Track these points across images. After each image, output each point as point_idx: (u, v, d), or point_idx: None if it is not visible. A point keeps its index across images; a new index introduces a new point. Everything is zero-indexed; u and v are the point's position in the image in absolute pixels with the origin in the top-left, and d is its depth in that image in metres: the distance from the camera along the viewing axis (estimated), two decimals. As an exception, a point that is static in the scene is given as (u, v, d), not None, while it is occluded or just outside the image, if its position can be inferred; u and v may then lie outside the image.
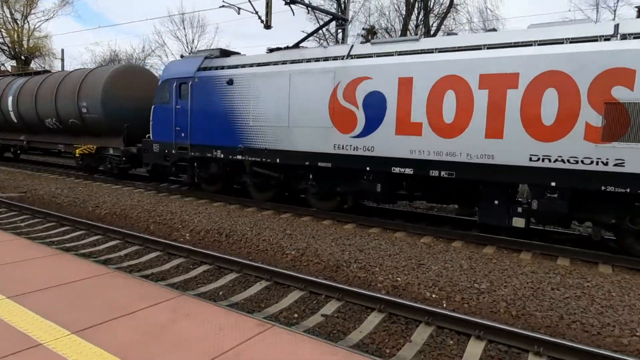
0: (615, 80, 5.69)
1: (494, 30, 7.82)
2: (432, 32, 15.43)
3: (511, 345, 4.06)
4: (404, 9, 19.99)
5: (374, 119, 7.57)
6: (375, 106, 7.54)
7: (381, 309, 4.74)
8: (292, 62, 8.60)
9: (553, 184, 6.23)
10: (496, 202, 6.87)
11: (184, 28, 39.42)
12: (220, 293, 5.45)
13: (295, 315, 4.86)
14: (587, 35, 6.00)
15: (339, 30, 13.32)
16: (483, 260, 6.12)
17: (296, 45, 9.50)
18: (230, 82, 9.32)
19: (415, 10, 19.61)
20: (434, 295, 5.20)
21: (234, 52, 10.41)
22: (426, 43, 7.31)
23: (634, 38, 5.66)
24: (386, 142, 7.47)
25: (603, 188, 5.85)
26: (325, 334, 4.43)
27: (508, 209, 6.78)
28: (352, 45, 8.22)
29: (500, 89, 6.43)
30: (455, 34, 9.19)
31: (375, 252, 6.52)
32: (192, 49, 32.81)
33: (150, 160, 11.24)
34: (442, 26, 16.10)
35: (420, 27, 16.88)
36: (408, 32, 16.68)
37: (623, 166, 5.72)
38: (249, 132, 9.14)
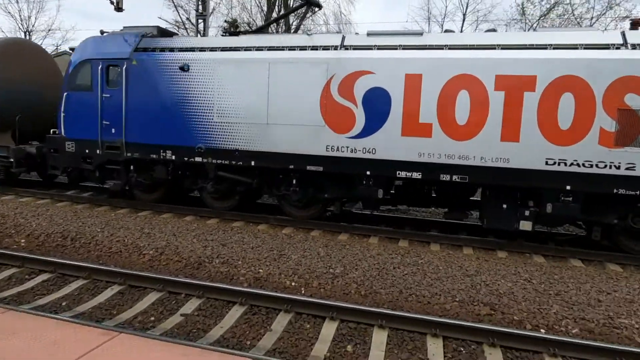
0: (628, 87, 5.97)
1: (494, 30, 7.65)
2: (292, 31, 15.97)
3: (359, 322, 4.52)
4: (266, 5, 20.22)
5: (376, 118, 6.98)
6: (377, 104, 6.95)
7: (242, 302, 4.82)
8: (271, 48, 7.56)
9: (568, 187, 6.32)
10: (504, 206, 6.80)
11: (18, 2, 33.57)
12: (64, 304, 4.91)
13: (152, 318, 4.65)
14: (600, 42, 6.23)
15: (200, 21, 12.83)
16: (338, 246, 6.64)
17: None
18: (185, 67, 7.89)
19: (276, 8, 19.98)
20: (293, 283, 5.46)
21: (175, 33, 8.95)
22: (432, 39, 7.02)
23: None
24: (391, 144, 6.94)
25: (615, 191, 6.14)
26: (184, 334, 4.33)
27: (516, 212, 6.75)
28: (344, 35, 7.63)
29: (517, 91, 6.36)
30: (452, 31, 8.25)
31: (238, 245, 6.56)
32: (28, 27, 28.14)
33: (61, 163, 9.02)
34: (302, 25, 16.79)
35: (281, 24, 17.30)
36: (270, 29, 16.96)
37: (634, 170, 6.07)
38: (212, 130, 7.83)
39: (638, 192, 6.13)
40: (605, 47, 6.23)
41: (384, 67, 6.91)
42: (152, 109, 8.10)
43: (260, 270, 5.74)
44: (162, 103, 8.04)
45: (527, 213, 6.71)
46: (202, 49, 7.95)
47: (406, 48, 6.95)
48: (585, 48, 6.28)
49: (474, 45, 6.73)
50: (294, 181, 7.78)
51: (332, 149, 7.22)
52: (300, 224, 7.78)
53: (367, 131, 7.05)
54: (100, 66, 8.40)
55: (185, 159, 8.01)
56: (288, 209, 8.19)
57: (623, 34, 6.32)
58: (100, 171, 8.78)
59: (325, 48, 7.31)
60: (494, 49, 6.60)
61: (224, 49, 7.83)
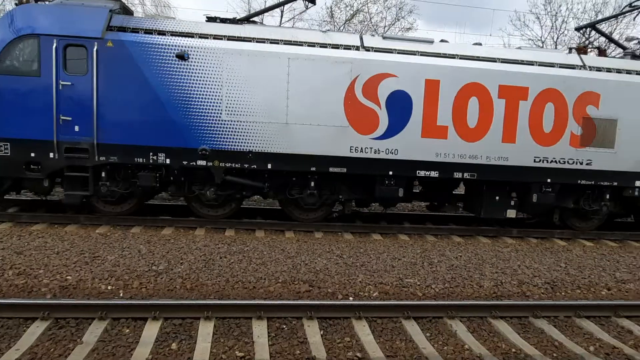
0: (588, 101, 7.50)
1: (480, 44, 8.44)
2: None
3: (184, 317, 4.46)
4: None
5: (398, 120, 7.22)
6: (400, 106, 7.19)
7: (45, 316, 4.23)
8: (288, 43, 7.09)
9: (549, 180, 7.68)
10: (497, 198, 7.84)
11: None
12: None
13: None
14: (569, 63, 7.64)
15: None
16: (161, 242, 6.36)
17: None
18: (182, 56, 6.75)
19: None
20: (110, 287, 5.04)
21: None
22: (444, 47, 7.63)
23: (597, 70, 7.76)
24: (412, 145, 7.29)
25: (579, 182, 7.78)
26: (-36, 366, 3.60)
27: (505, 203, 7.90)
28: (361, 36, 7.64)
29: (514, 99, 7.38)
30: (447, 41, 8.28)
31: (39, 252, 5.70)
32: None
33: None
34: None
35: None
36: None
37: (591, 165, 7.78)
38: (220, 129, 6.98)
39: (593, 182, 7.99)
40: (573, 67, 7.80)
41: (406, 71, 7.23)
42: (138, 103, 6.80)
43: (69, 277, 5.11)
44: (153, 96, 6.80)
45: (512, 203, 8.08)
46: (203, 36, 6.97)
47: (424, 54, 7.44)
48: (560, 67, 7.76)
49: (480, 57, 7.58)
50: (312, 184, 7.49)
51: (356, 150, 7.26)
52: (116, 221, 7.15)
53: (390, 132, 7.30)
54: (55, 45, 6.61)
55: (185, 162, 6.97)
56: (295, 212, 7.89)
57: (581, 58, 8.07)
58: (52, 180, 6.99)
59: (347, 47, 7.29)
60: (496, 61, 7.56)
61: (231, 38, 7.03)
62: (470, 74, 7.47)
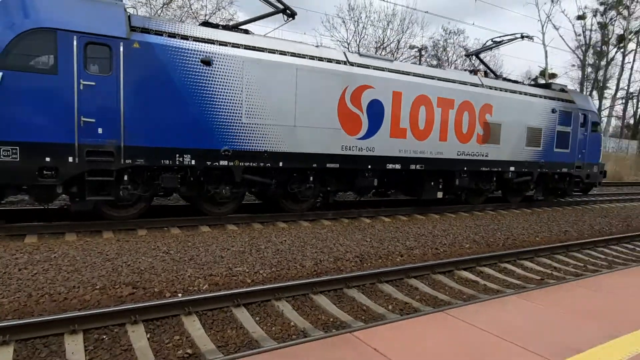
0: (487, 110, 10.45)
1: (438, 67, 13.31)
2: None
3: (-29, 347, 3.72)
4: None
5: (375, 124, 8.92)
6: (376, 112, 8.92)
7: None
8: (294, 55, 8.16)
9: (465, 168, 10.52)
10: (432, 183, 10.33)
11: None
12: None
13: None
14: (476, 82, 10.61)
15: None
16: None
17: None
18: (208, 61, 7.11)
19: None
20: None
21: None
22: (402, 66, 9.92)
23: (489, 87, 10.81)
24: (384, 144, 9.09)
25: (481, 169, 10.88)
26: None
27: (437, 187, 10.49)
28: (345, 52, 9.23)
29: (446, 108, 9.94)
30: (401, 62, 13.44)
31: None
32: None
33: None
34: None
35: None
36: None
37: (487, 156, 10.88)
38: (240, 131, 7.55)
39: (488, 169, 11.27)
40: (477, 85, 10.82)
41: (380, 83, 8.96)
42: (166, 106, 6.89)
43: None
44: (180, 99, 6.99)
45: (440, 187, 10.73)
46: (223, 43, 7.45)
47: (390, 71, 9.28)
48: (470, 85, 10.64)
49: (425, 75, 9.86)
50: (311, 178, 8.69)
51: (346, 148, 8.60)
52: None
53: (369, 133, 8.89)
54: (76, 42, 6.21)
55: (208, 163, 7.34)
56: (288, 205, 8.92)
57: (479, 78, 11.21)
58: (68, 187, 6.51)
59: (338, 62, 8.64)
60: (434, 79, 9.96)
61: (247, 47, 7.66)
62: (420, 88, 9.69)
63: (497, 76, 13.11)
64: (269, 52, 7.90)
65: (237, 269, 5.84)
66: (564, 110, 12.85)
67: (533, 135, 12.13)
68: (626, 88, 39.31)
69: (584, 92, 32.52)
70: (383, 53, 31.02)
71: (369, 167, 9.17)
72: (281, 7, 8.76)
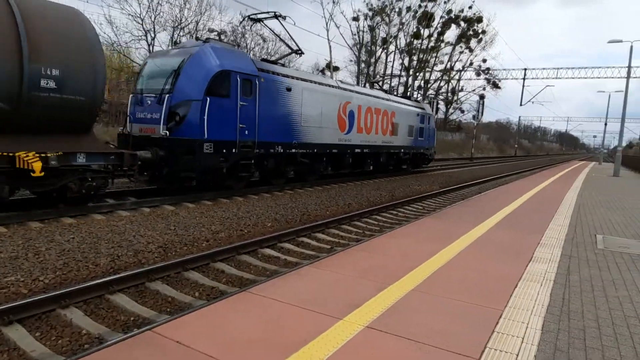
0: (392, 115, 18.34)
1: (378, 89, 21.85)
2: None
3: None
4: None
5: (351, 125, 15.48)
6: (351, 118, 15.47)
7: None
8: (320, 83, 14.07)
9: (384, 151, 18.02)
10: (369, 160, 17.81)
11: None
12: None
13: None
14: (388, 97, 18.87)
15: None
16: None
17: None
18: (289, 89, 12.19)
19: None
20: None
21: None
22: (361, 89, 17.58)
23: (393, 102, 18.98)
24: (355, 136, 15.80)
25: (391, 151, 18.79)
26: None
27: (370, 163, 17.89)
28: (336, 80, 16.11)
29: (377, 114, 17.16)
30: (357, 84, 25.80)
31: None
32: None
33: (201, 164, 9.74)
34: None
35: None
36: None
37: (393, 143, 18.68)
38: (300, 131, 12.89)
39: (392, 151, 18.91)
40: (388, 99, 18.58)
41: (353, 100, 15.55)
42: (271, 116, 11.52)
43: None
44: (276, 111, 11.76)
45: (371, 163, 18.02)
46: (296, 78, 12.72)
47: (356, 92, 16.08)
48: (385, 99, 18.30)
49: (372, 94, 17.47)
50: (324, 159, 14.77)
51: (339, 140, 14.99)
52: None
53: (348, 131, 15.39)
54: (238, 78, 10.34)
55: (287, 150, 12.36)
56: (310, 177, 14.36)
57: (386, 93, 20.10)
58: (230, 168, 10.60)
59: (334, 87, 14.77)
60: (371, 96, 17.25)
61: (303, 79, 13.11)
62: (369, 102, 16.73)
63: (395, 94, 24.61)
64: (310, 82, 13.48)
65: (7, 279, 4.87)
66: (421, 114, 21.77)
67: (410, 130, 20.55)
68: (389, 82, 47.49)
69: (359, 85, 37.90)
70: (181, 34, 29.58)
71: (347, 151, 15.68)
72: (296, 48, 14.64)
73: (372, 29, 44.17)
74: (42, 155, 6.93)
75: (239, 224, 8.52)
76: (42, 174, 6.91)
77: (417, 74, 47.92)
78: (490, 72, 49.30)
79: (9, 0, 6.68)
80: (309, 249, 7.44)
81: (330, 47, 46.00)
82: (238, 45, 36.76)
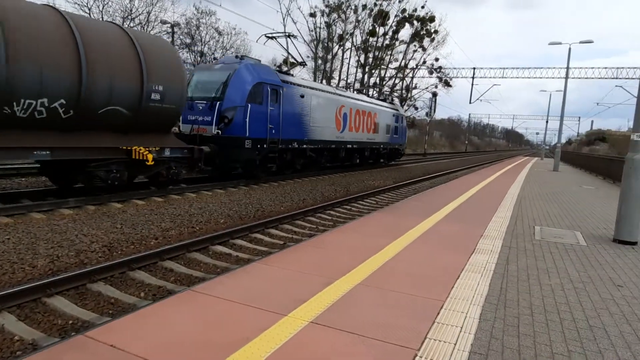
0: (374, 116, 22.66)
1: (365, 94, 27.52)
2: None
3: None
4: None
5: (344, 125, 18.92)
6: (344, 119, 18.93)
7: None
8: (322, 90, 17.93)
9: (368, 146, 22.33)
10: (356, 154, 21.63)
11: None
12: None
13: None
14: (373, 101, 24.06)
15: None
16: None
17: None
18: (302, 96, 15.81)
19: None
20: None
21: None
22: (352, 94, 21.86)
23: (374, 104, 23.56)
24: (347, 134, 19.22)
25: (373, 147, 22.86)
26: None
27: (356, 157, 21.92)
28: (335, 87, 24.27)
29: (363, 116, 21.18)
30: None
31: None
32: None
33: (244, 156, 13.01)
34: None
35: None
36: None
37: (375, 140, 22.98)
38: (310, 130, 16.41)
39: (375, 146, 23.20)
40: (373, 102, 23.24)
41: (346, 104, 19.34)
42: (290, 118, 15.00)
43: None
44: (293, 114, 15.26)
45: (358, 157, 22.06)
46: (306, 87, 16.36)
47: (348, 97, 20.29)
48: (371, 103, 23.05)
49: (359, 99, 21.59)
50: (325, 153, 18.15)
51: (336, 137, 18.45)
52: None
53: (342, 129, 18.95)
54: (268, 88, 13.73)
55: (299, 146, 15.72)
56: (314, 168, 17.93)
57: (371, 99, 24.64)
58: (259, 160, 13.87)
59: (332, 93, 18.64)
60: (359, 100, 21.37)
61: (311, 88, 16.94)
62: (357, 105, 20.31)
63: (379, 97, 29.56)
64: (316, 89, 17.26)
65: None
66: (396, 115, 26.13)
67: (387, 129, 24.49)
68: (345, 79, 47.93)
69: (317, 81, 38.02)
70: (132, 25, 28.34)
71: (342, 147, 19.22)
72: (301, 60, 20.90)
73: (328, 25, 44.29)
74: (147, 149, 9.70)
75: (191, 221, 8.32)
76: (153, 163, 9.77)
77: (373, 71, 48.60)
78: (442, 70, 50.83)
79: (132, 38, 9.51)
80: (261, 245, 7.38)
81: (287, 42, 45.69)
82: (192, 37, 35.73)
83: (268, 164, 14.17)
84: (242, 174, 14.01)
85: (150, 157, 9.53)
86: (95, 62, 8.44)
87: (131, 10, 28.25)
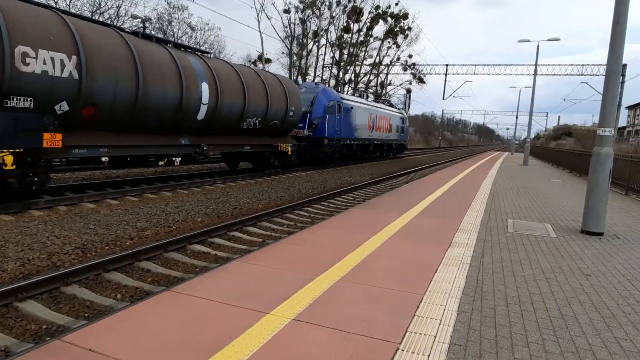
0: (390, 120, 31.81)
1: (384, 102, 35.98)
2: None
3: None
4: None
5: (373, 127, 27.05)
6: (373, 122, 26.99)
7: None
8: (361, 103, 26.01)
9: (387, 143, 31.48)
10: (377, 149, 30.26)
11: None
12: None
13: None
14: (388, 109, 32.57)
15: None
16: None
17: None
18: (351, 108, 23.19)
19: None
20: None
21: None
22: (376, 104, 30.39)
23: (390, 111, 32.91)
24: (374, 134, 27.39)
25: (389, 143, 32.24)
26: None
27: (380, 151, 31.28)
28: (367, 100, 31.46)
29: (384, 120, 29.72)
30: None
31: None
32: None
33: (324, 149, 20.45)
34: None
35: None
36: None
37: (390, 138, 31.88)
38: (354, 131, 23.72)
39: (388, 143, 31.79)
40: (389, 110, 32.50)
41: (374, 112, 27.74)
42: (345, 123, 22.28)
43: None
44: (347, 120, 22.56)
45: (378, 152, 30.94)
46: (352, 101, 24.37)
47: (376, 107, 29.15)
48: (388, 110, 31.78)
49: (381, 108, 30.42)
50: (362, 147, 26.24)
51: (368, 136, 26.48)
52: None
53: (372, 130, 27.13)
54: (335, 104, 21.24)
55: (349, 143, 23.21)
56: (355, 158, 25.79)
57: (389, 107, 34.05)
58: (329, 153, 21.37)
59: (368, 104, 27.78)
60: (380, 109, 29.93)
61: (355, 101, 24.80)
62: (379, 112, 28.81)
63: (391, 105, 37.00)
64: (358, 102, 25.27)
65: None
66: (402, 118, 34.40)
67: (397, 129, 32.38)
68: (320, 75, 47.95)
69: (291, 78, 38.00)
70: (101, 19, 27.50)
71: (372, 143, 27.17)
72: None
73: (303, 21, 44.14)
74: (286, 145, 16.74)
75: (167, 220, 8.19)
76: (290, 153, 16.76)
77: (348, 67, 48.73)
78: (415, 67, 51.48)
79: (281, 82, 16.40)
80: (240, 244, 7.33)
81: (262, 38, 45.32)
82: (165, 33, 34.96)
83: (335, 155, 22.39)
84: (320, 163, 21.32)
85: (289, 149, 16.76)
86: (272, 97, 15.19)
87: (100, 5, 27.39)
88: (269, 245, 5.33)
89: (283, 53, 46.13)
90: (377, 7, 47.15)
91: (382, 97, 52.26)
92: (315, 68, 46.74)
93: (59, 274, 5.06)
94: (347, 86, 47.85)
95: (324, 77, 47.81)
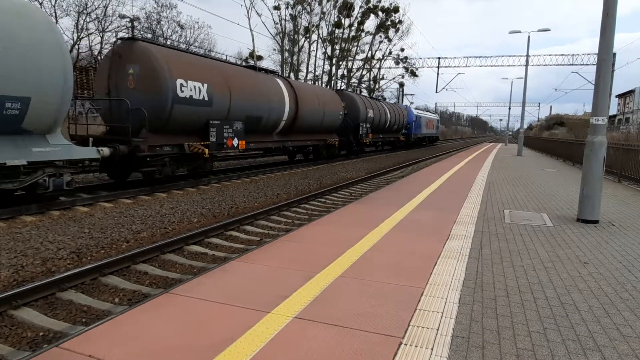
0: (432, 121, 51.50)
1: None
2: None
3: None
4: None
5: (426, 126, 46.63)
6: (425, 123, 46.54)
7: None
8: (422, 111, 49.51)
9: (428, 136, 49.71)
10: (422, 141, 47.34)
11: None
12: None
13: None
14: (428, 115, 51.95)
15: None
16: None
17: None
18: (418, 117, 42.06)
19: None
20: None
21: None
22: (425, 113, 50.78)
23: (431, 115, 55.00)
24: (425, 131, 46.37)
25: (429, 136, 51.21)
26: None
27: (424, 143, 49.10)
28: (424, 110, 58.19)
29: (429, 121, 49.52)
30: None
31: None
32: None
33: (412, 141, 40.28)
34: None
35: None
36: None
37: (428, 133, 49.89)
38: (420, 130, 42.91)
39: (430, 136, 50.99)
40: (429, 115, 52.23)
41: (425, 116, 47.01)
42: (417, 126, 41.75)
43: None
44: (418, 124, 41.83)
45: (423, 142, 48.02)
46: (420, 111, 46.19)
47: (425, 115, 47.62)
48: (431, 114, 57.10)
49: (427, 115, 50.07)
50: (420, 140, 45.19)
51: (424, 133, 45.34)
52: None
53: (425, 129, 46.38)
54: (413, 115, 40.30)
55: (418, 137, 42.87)
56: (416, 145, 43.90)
57: (430, 114, 55.78)
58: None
59: (424, 111, 51.39)
60: (431, 116, 52.15)
61: (421, 111, 47.89)
62: (426, 117, 47.12)
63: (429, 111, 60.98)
64: (421, 110, 49.53)
65: None
66: (437, 119, 54.54)
67: (436, 127, 51.99)
68: (313, 72, 47.86)
69: (284, 74, 37.90)
70: (88, 19, 27.21)
71: (426, 136, 46.76)
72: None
73: (294, 17, 43.93)
74: (334, 139, 22.34)
75: (163, 222, 8.12)
76: (337, 145, 22.82)
77: (340, 62, 48.63)
78: (408, 61, 51.50)
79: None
80: (237, 243, 7.29)
81: (252, 36, 45.06)
82: (153, 32, 34.67)
83: (415, 143, 40.32)
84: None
85: (337, 143, 21.80)
86: (324, 105, 20.12)
87: (86, 4, 27.07)
88: (267, 244, 5.29)
89: (275, 50, 45.95)
90: (368, 1, 47.04)
91: (375, 92, 52.26)
92: (308, 64, 46.65)
93: (55, 280, 4.99)
94: (340, 82, 47.77)
95: (317, 74, 47.72)
